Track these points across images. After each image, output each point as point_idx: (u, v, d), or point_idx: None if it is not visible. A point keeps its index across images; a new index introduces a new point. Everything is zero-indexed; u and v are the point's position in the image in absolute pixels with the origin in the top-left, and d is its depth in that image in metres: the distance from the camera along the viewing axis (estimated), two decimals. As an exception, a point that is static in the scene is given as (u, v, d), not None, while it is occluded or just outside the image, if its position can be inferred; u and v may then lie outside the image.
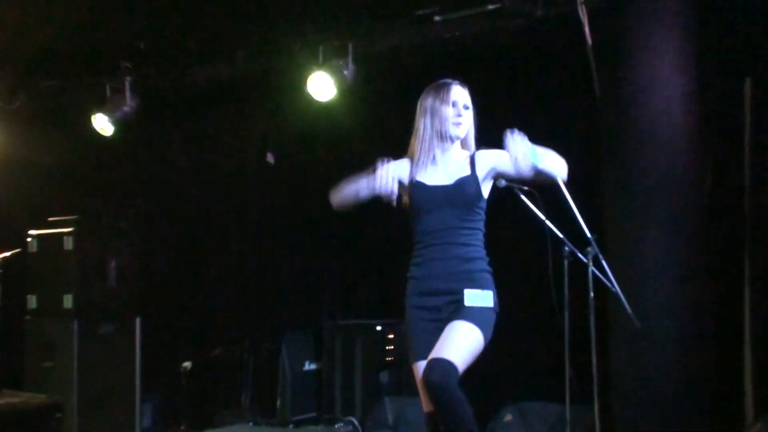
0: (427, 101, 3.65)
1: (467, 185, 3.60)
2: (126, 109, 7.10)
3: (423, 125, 3.64)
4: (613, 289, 4.56)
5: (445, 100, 3.62)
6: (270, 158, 7.55)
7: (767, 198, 5.29)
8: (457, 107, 3.64)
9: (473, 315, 3.45)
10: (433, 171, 3.63)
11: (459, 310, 3.46)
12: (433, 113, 3.61)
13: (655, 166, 5.22)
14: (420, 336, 3.46)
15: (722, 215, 5.33)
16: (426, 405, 3.46)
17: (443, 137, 3.63)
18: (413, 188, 3.59)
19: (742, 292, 5.30)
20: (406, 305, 3.55)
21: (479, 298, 3.50)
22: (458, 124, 3.64)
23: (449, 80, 3.70)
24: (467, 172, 3.63)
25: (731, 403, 5.17)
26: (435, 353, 3.35)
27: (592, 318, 4.51)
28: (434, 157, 3.62)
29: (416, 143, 3.65)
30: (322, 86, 6.35)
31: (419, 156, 3.63)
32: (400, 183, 3.58)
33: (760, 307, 5.25)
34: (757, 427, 4.52)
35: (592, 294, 4.53)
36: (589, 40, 5.46)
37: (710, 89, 5.36)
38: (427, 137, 3.62)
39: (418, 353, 3.45)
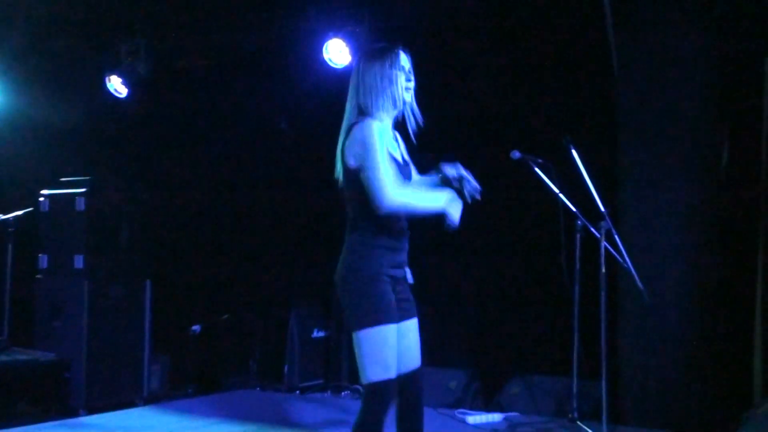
0: (374, 65, 3.43)
1: (411, 167, 3.57)
2: (140, 71, 7.08)
3: (373, 86, 3.42)
4: (625, 264, 4.53)
5: (395, 65, 3.44)
6: (283, 124, 7.52)
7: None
8: (405, 73, 3.48)
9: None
10: (391, 141, 3.49)
11: (409, 296, 3.51)
12: (383, 77, 3.41)
13: (671, 142, 5.17)
14: (392, 303, 3.36)
15: (738, 193, 5.27)
16: (395, 370, 3.36)
17: (396, 104, 3.46)
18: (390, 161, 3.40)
19: (755, 271, 5.26)
20: (377, 272, 3.33)
21: (408, 274, 3.54)
22: (409, 89, 3.49)
23: (393, 45, 3.51)
24: (402, 150, 3.57)
25: (739, 381, 5.14)
26: (417, 361, 3.48)
27: (603, 293, 4.47)
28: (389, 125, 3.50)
29: (370, 104, 3.41)
30: (338, 52, 6.31)
31: (382, 120, 3.43)
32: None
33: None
34: (764, 407, 4.49)
35: (603, 269, 4.50)
36: (609, 11, 5.40)
37: (729, 67, 5.28)
38: (383, 97, 3.42)
39: (392, 317, 3.33)
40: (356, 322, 3.30)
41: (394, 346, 3.31)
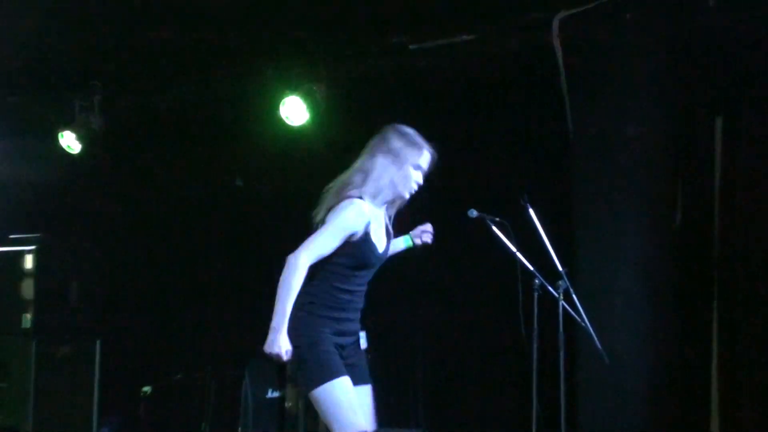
0: (396, 148, 3.47)
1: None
2: (94, 127, 7.02)
3: (385, 171, 3.46)
4: (583, 324, 4.53)
5: (415, 160, 3.48)
6: (239, 181, 7.48)
7: (736, 236, 5.31)
8: (421, 173, 3.52)
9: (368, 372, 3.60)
10: (379, 230, 3.51)
11: (359, 362, 3.54)
12: (399, 165, 3.46)
13: (626, 202, 5.23)
14: (338, 360, 3.39)
15: (692, 252, 5.33)
16: (366, 422, 3.39)
17: (396, 195, 3.51)
18: (367, 247, 3.43)
19: (711, 329, 5.31)
20: (319, 338, 3.37)
21: (363, 339, 3.59)
22: (414, 190, 3.53)
23: (423, 142, 3.53)
24: (387, 237, 3.60)
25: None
26: (368, 426, 3.46)
27: (561, 353, 4.46)
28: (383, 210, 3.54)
29: (372, 185, 3.46)
30: (295, 110, 6.31)
31: (375, 203, 3.47)
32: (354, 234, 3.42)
33: (728, 345, 5.25)
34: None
35: (561, 328, 4.49)
36: (563, 73, 5.48)
37: (682, 126, 5.38)
38: (387, 187, 3.47)
39: (340, 371, 3.36)
40: (308, 384, 3.35)
41: (351, 398, 3.32)
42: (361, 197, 3.42)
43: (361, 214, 3.38)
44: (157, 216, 7.76)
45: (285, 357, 3.31)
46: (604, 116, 5.35)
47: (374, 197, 3.47)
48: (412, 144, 3.50)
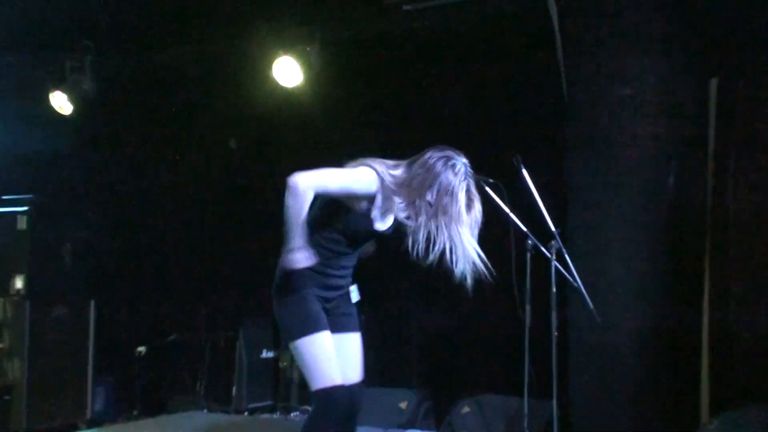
0: (455, 192, 3.42)
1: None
2: (86, 87, 6.97)
3: (422, 213, 3.41)
4: (575, 283, 4.56)
5: (467, 218, 3.49)
6: (232, 143, 7.46)
7: (729, 199, 5.33)
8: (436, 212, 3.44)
9: (358, 322, 3.64)
10: (386, 210, 3.49)
11: (349, 310, 3.60)
12: (451, 217, 3.42)
13: (619, 163, 5.24)
14: (320, 314, 3.43)
15: (685, 214, 5.35)
16: (340, 376, 3.40)
17: (398, 212, 3.45)
18: (365, 221, 3.45)
19: (702, 290, 5.34)
20: (303, 291, 3.41)
21: (354, 292, 3.65)
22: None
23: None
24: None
25: (687, 401, 5.21)
26: (357, 375, 3.54)
27: (553, 312, 4.49)
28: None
29: (396, 189, 3.41)
30: (288, 71, 6.28)
31: (395, 208, 3.43)
32: (354, 196, 3.42)
33: (719, 306, 5.29)
34: (713, 425, 4.55)
35: (554, 288, 4.51)
36: (558, 35, 5.46)
37: (676, 89, 5.37)
38: (402, 201, 3.42)
39: (321, 325, 3.41)
40: (289, 335, 3.42)
41: (329, 353, 3.37)
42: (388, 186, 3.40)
43: (374, 184, 3.38)
44: (150, 177, 7.75)
45: (310, 262, 3.31)
46: (599, 78, 5.33)
47: (386, 191, 3.43)
48: (470, 200, 3.49)
